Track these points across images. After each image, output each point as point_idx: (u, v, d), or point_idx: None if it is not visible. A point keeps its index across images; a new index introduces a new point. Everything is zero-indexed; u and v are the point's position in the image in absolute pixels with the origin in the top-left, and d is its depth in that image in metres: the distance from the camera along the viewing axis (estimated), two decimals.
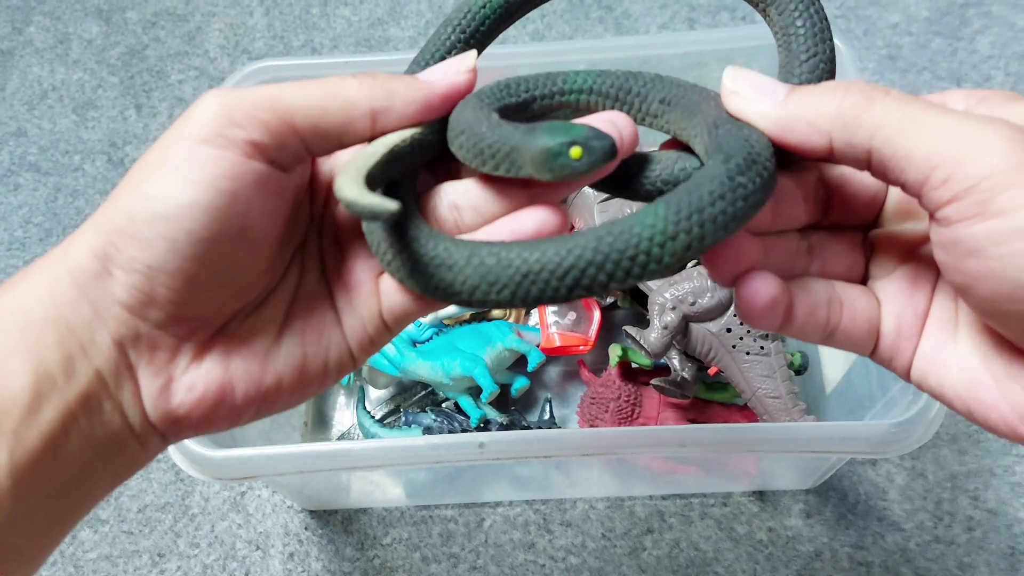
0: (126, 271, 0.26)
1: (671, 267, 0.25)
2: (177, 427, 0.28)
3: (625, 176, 0.30)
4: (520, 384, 0.70)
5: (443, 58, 0.32)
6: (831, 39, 0.30)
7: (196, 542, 0.69)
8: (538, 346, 0.69)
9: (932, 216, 0.25)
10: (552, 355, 0.71)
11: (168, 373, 0.27)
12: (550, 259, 0.24)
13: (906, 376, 0.29)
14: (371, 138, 0.28)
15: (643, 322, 0.67)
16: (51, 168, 0.87)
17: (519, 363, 0.71)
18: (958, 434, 0.70)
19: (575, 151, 0.25)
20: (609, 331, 0.73)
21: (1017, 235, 0.22)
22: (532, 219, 0.28)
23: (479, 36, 0.32)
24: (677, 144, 0.31)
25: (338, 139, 0.28)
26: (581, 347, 0.69)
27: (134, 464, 0.28)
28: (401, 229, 0.27)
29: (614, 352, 0.66)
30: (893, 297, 0.30)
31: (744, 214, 0.25)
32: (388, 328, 0.31)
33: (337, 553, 0.68)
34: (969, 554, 0.65)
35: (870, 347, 0.30)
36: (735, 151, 0.25)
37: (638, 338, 0.62)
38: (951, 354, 0.28)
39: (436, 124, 0.29)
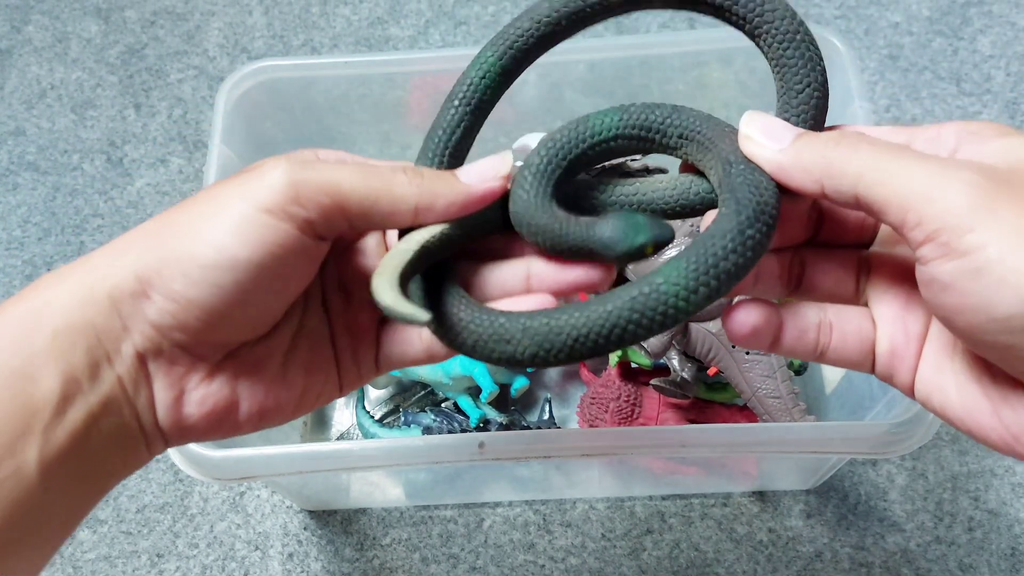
0: (166, 299, 0.28)
1: (696, 312, 0.28)
2: (182, 434, 0.31)
3: (652, 196, 0.34)
4: (520, 384, 0.70)
5: (454, 132, 0.34)
6: (821, 63, 0.32)
7: (195, 543, 0.68)
8: None
9: (915, 255, 0.27)
10: None
11: (181, 386, 0.30)
12: (595, 322, 0.28)
13: (910, 395, 0.31)
14: (411, 227, 0.32)
15: None
16: (50, 167, 0.87)
17: None
18: (959, 434, 0.69)
19: (649, 249, 0.30)
20: None
21: (979, 273, 0.24)
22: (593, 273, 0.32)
23: (483, 105, 0.35)
24: (693, 168, 0.34)
25: (381, 226, 0.32)
26: None
27: (136, 464, 0.30)
28: (456, 310, 0.31)
29: (613, 352, 0.66)
30: (886, 319, 0.31)
31: (753, 261, 0.28)
32: (378, 371, 0.34)
33: (336, 554, 0.68)
34: (970, 555, 0.65)
35: (867, 366, 0.32)
36: (745, 201, 0.28)
37: None
38: (950, 377, 0.29)
39: (464, 219, 0.32)
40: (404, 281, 0.30)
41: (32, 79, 0.92)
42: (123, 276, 0.28)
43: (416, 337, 0.33)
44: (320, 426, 0.74)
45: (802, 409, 0.61)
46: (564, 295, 0.33)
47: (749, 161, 0.30)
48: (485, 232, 0.34)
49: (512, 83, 0.35)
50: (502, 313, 0.30)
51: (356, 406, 0.71)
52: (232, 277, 0.28)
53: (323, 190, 0.29)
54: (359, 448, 0.52)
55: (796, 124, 0.31)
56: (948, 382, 0.29)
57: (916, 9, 0.89)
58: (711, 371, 0.64)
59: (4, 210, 0.85)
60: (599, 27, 0.91)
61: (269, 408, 0.32)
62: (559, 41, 0.34)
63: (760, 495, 0.68)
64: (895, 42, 0.88)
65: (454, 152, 0.35)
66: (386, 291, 0.28)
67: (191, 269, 0.28)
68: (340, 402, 0.74)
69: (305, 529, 0.69)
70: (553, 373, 0.74)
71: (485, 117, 0.35)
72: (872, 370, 0.32)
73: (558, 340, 0.28)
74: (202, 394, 0.30)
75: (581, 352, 0.29)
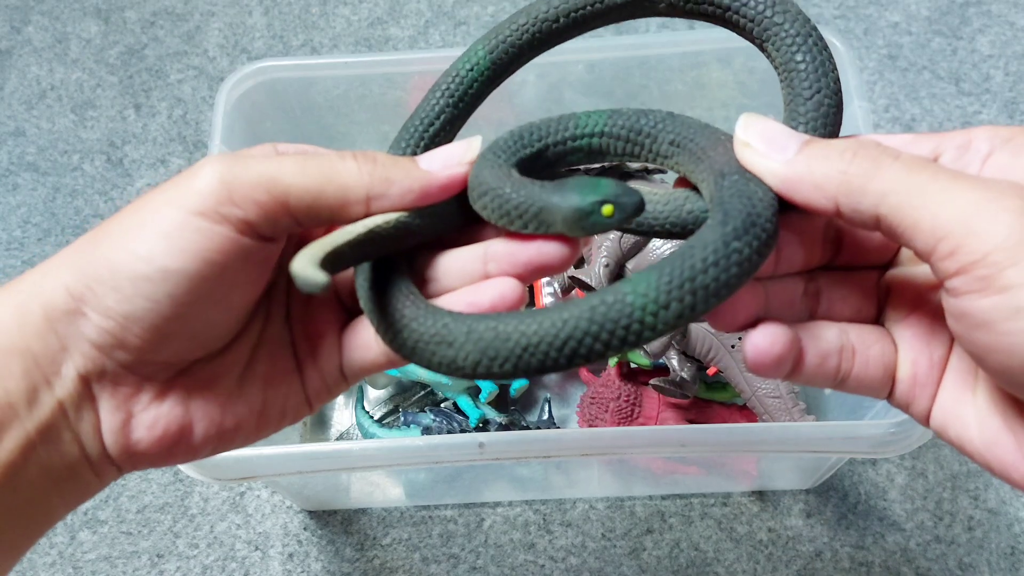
0: (101, 316, 0.26)
1: (666, 333, 0.25)
2: (134, 460, 0.28)
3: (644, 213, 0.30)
4: (519, 384, 0.70)
5: (432, 124, 0.32)
6: (835, 71, 0.29)
7: (195, 543, 0.69)
8: None
9: (942, 285, 0.24)
10: None
11: (129, 408, 0.28)
12: (547, 331, 0.25)
13: (925, 424, 0.29)
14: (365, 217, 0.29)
15: None
16: (49, 168, 0.87)
17: None
18: None
19: (607, 209, 0.26)
20: None
21: (1021, 312, 0.22)
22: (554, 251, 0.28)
23: (468, 99, 0.32)
24: (689, 183, 0.31)
25: (330, 220, 0.28)
26: None
27: (88, 492, 0.28)
28: (400, 307, 0.28)
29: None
30: (909, 343, 0.29)
31: (738, 280, 0.25)
32: (345, 380, 0.31)
33: (337, 554, 0.68)
34: (970, 554, 0.65)
35: (885, 393, 0.29)
36: (734, 212, 0.25)
37: None
38: (970, 409, 0.27)
39: (425, 209, 0.29)
40: (337, 260, 0.27)
41: (32, 80, 0.92)
42: (55, 292, 0.26)
43: (373, 341, 0.30)
44: (320, 426, 0.74)
45: (801, 409, 0.62)
46: (525, 278, 0.29)
47: (745, 171, 0.27)
48: (449, 225, 0.30)
49: (502, 81, 0.33)
50: (449, 313, 0.27)
51: (355, 406, 0.71)
52: (166, 289, 0.25)
53: (259, 186, 0.26)
54: (359, 448, 0.52)
55: (803, 131, 0.28)
56: (968, 413, 0.27)
57: (915, 9, 0.89)
58: (711, 371, 0.65)
59: (4, 210, 0.85)
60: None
61: (227, 429, 0.29)
62: (556, 43, 0.32)
63: (760, 494, 0.68)
64: (894, 42, 0.88)
65: (429, 145, 0.32)
66: (300, 256, 0.25)
67: (122, 283, 0.25)
68: (340, 402, 0.74)
69: (305, 529, 0.69)
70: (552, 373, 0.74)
71: (470, 112, 0.33)
72: (889, 397, 0.29)
73: (504, 348, 0.25)
74: (152, 417, 0.28)
75: (529, 364, 0.25)
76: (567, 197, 0.27)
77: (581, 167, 0.33)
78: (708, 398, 0.68)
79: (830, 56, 0.29)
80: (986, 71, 0.85)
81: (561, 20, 0.31)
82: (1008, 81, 0.85)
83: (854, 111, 0.56)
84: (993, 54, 0.86)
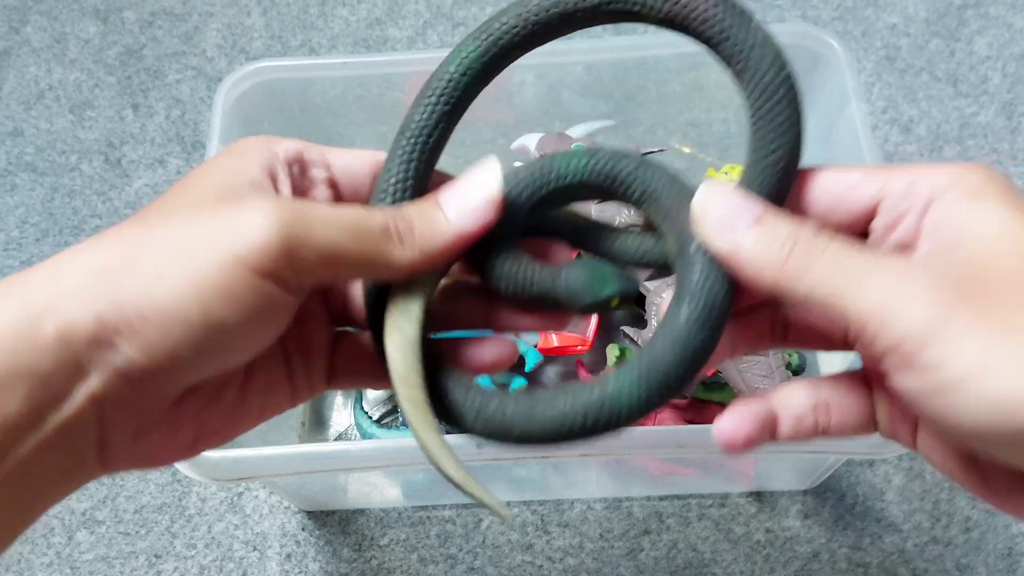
0: (138, 350, 0.25)
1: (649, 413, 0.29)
2: (139, 464, 0.29)
3: (614, 247, 0.33)
4: (518, 384, 0.70)
5: (430, 135, 0.32)
6: (798, 127, 0.29)
7: (193, 543, 0.69)
8: (536, 346, 0.69)
9: (877, 368, 0.26)
10: (550, 355, 0.71)
11: (138, 423, 0.27)
12: (548, 424, 0.29)
13: (914, 450, 0.30)
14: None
15: (641, 322, 0.67)
16: (48, 168, 0.87)
17: (517, 363, 0.71)
18: None
19: (615, 303, 0.31)
20: (607, 331, 0.73)
21: (940, 391, 0.23)
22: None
23: (461, 104, 0.32)
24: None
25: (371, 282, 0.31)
26: (579, 347, 0.69)
27: (78, 486, 0.28)
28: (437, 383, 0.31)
29: (612, 352, 0.66)
30: (880, 386, 0.30)
31: (703, 361, 0.29)
32: (328, 386, 0.34)
33: (334, 554, 0.68)
34: (967, 555, 0.65)
35: (871, 431, 0.31)
36: (694, 303, 0.29)
37: (636, 338, 0.61)
38: (940, 445, 0.29)
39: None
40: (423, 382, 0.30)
41: (30, 80, 0.92)
42: (79, 317, 0.25)
43: (367, 367, 0.32)
44: (318, 427, 0.74)
45: None
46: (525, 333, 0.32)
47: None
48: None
49: (492, 78, 0.33)
50: (460, 384, 0.30)
51: (354, 406, 0.71)
52: (212, 337, 0.26)
53: (322, 257, 0.26)
54: (357, 449, 0.52)
55: (758, 188, 0.29)
56: (941, 449, 0.29)
57: (913, 11, 0.90)
58: (709, 371, 0.65)
59: (2, 211, 0.85)
60: (597, 28, 0.91)
61: (229, 432, 0.31)
62: (544, 42, 0.32)
63: (757, 495, 0.68)
64: (892, 44, 0.88)
65: (429, 157, 0.32)
66: (450, 464, 0.29)
67: (172, 328, 0.25)
68: (338, 402, 0.74)
69: (303, 530, 0.69)
70: (551, 373, 0.74)
71: (460, 118, 0.33)
72: (875, 431, 0.31)
73: (511, 434, 0.30)
74: (160, 428, 0.28)
75: (528, 447, 0.30)
76: (582, 292, 0.31)
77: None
78: (706, 398, 0.68)
79: (798, 111, 0.29)
80: (984, 73, 0.85)
81: (553, 23, 0.31)
82: (1006, 83, 0.85)
83: (852, 114, 0.56)
84: (991, 56, 0.86)
